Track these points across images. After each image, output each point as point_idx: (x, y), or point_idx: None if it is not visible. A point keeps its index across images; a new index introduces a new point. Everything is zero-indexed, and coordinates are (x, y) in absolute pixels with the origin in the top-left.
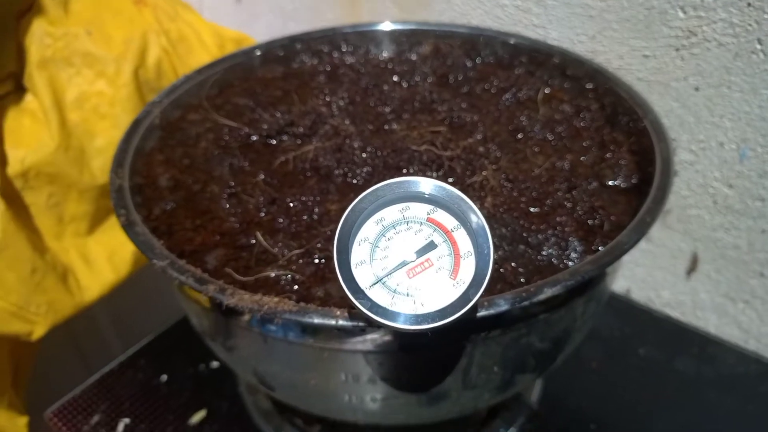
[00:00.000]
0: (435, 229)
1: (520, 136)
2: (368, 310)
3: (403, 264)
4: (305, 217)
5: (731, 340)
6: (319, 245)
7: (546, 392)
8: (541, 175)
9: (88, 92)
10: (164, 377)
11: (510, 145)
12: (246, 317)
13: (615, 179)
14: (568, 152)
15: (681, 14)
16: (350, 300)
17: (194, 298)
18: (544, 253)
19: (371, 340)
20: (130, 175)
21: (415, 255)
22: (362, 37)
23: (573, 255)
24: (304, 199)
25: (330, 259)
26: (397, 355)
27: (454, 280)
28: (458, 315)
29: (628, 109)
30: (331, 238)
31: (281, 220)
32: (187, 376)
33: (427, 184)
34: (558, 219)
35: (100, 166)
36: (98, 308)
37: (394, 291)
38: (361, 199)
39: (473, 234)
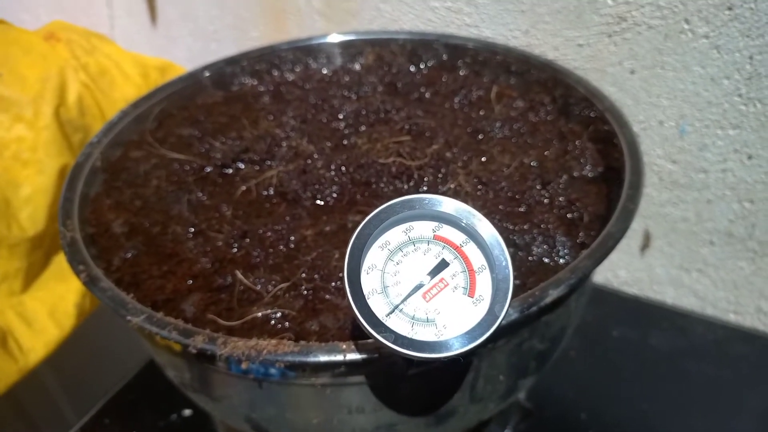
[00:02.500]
0: (444, 247)
1: (480, 137)
2: (393, 343)
3: (417, 288)
4: (282, 247)
5: (690, 309)
6: (303, 275)
7: (532, 389)
8: (512, 174)
9: (6, 139)
10: None
11: (473, 147)
12: (242, 365)
13: (582, 170)
14: (531, 148)
15: (610, 1)
16: (370, 333)
17: (173, 351)
18: (533, 253)
19: (378, 369)
20: (80, 226)
21: (428, 276)
22: (300, 52)
23: (563, 251)
24: (276, 228)
25: (319, 289)
26: (404, 380)
27: (473, 297)
28: (488, 334)
29: (580, 99)
30: (314, 266)
31: (256, 253)
32: (159, 430)
33: (429, 201)
34: (539, 217)
35: (28, 216)
36: (44, 370)
37: (413, 318)
38: (365, 225)
39: (483, 247)
